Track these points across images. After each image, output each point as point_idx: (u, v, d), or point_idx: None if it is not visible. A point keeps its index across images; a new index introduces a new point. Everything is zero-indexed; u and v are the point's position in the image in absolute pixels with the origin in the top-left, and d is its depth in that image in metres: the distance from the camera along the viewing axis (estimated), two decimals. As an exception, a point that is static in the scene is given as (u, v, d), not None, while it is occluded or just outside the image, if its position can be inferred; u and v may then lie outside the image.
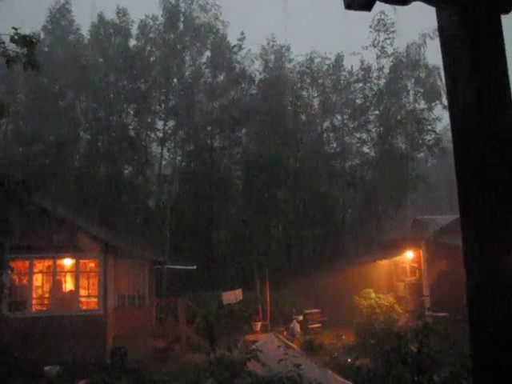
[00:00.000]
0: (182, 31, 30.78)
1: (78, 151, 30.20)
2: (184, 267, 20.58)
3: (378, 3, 2.02)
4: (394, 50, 28.55)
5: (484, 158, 1.53)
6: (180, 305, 17.84)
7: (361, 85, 30.33)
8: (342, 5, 2.08)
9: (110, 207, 26.20)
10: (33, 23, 29.43)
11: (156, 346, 16.16)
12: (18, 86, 29.39)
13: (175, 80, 31.12)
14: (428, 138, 29.10)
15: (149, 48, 30.88)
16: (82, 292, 16.03)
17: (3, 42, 9.96)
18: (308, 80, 31.32)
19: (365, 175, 29.64)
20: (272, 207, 27.29)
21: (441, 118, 28.96)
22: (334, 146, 31.76)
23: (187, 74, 31.23)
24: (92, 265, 16.27)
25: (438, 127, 29.90)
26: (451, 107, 1.74)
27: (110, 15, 31.11)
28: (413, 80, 29.73)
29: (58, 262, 15.93)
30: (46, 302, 15.98)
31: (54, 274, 15.81)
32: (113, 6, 31.00)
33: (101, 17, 31.26)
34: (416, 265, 18.58)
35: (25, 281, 15.69)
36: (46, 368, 13.16)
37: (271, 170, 26.77)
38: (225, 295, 19.46)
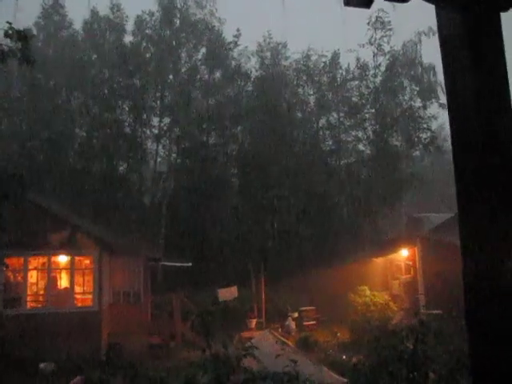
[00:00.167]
0: (177, 28, 30.69)
1: (72, 147, 30.06)
2: (179, 264, 20.57)
3: (377, 0, 2.03)
4: (391, 47, 28.61)
5: (483, 157, 1.53)
6: (175, 302, 17.84)
7: (357, 82, 30.37)
8: (339, 2, 2.08)
9: (105, 204, 26.13)
10: (24, 19, 29.16)
11: (151, 342, 16.16)
12: (13, 82, 29.18)
13: (171, 76, 31.03)
14: (424, 136, 29.19)
15: (144, 44, 30.77)
16: (77, 289, 15.98)
17: (-4, 37, 9.90)
18: (304, 77, 31.31)
19: (360, 173, 29.70)
20: (267, 205, 27.31)
21: (436, 116, 29.07)
22: (330, 143, 31.80)
23: (183, 70, 31.17)
24: (87, 262, 16.23)
25: (434, 125, 30.03)
26: (450, 107, 1.75)
27: (104, 10, 31.02)
28: (409, 78, 29.79)
29: (53, 258, 15.87)
30: (40, 298, 15.92)
31: (49, 271, 15.75)
32: (107, 1, 30.91)
33: (94, 12, 31.10)
34: (411, 263, 18.66)
35: (19, 278, 15.63)
36: (41, 365, 13.13)
37: (267, 167, 26.78)
38: (220, 292, 19.47)
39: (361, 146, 31.38)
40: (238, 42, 31.15)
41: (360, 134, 30.81)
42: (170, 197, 29.03)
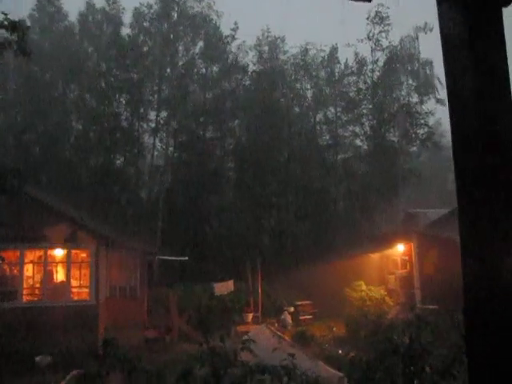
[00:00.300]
0: (175, 21, 30.50)
1: (69, 141, 29.92)
2: (176, 258, 20.58)
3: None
4: (389, 42, 28.58)
5: (484, 157, 1.53)
6: (171, 296, 17.86)
7: (355, 78, 30.33)
8: (338, -2, 2.06)
9: (101, 197, 26.05)
10: (18, 11, 28.84)
11: (147, 336, 16.19)
12: (9, 74, 28.96)
13: (168, 70, 30.89)
14: (421, 131, 29.23)
15: (142, 37, 30.57)
16: (74, 282, 15.96)
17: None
18: (302, 72, 31.24)
19: (357, 168, 29.73)
20: (264, 199, 27.31)
21: (434, 111, 29.10)
22: (327, 138, 31.80)
23: (180, 64, 31.01)
24: (84, 255, 16.19)
25: (431, 121, 30.07)
26: (451, 107, 1.73)
27: (101, 2, 30.78)
28: (406, 73, 29.78)
29: (50, 252, 15.82)
30: (37, 292, 15.88)
31: (46, 265, 15.71)
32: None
33: (90, 4, 30.84)
34: (407, 258, 18.73)
35: (15, 271, 15.59)
36: (37, 358, 13.13)
37: (264, 161, 26.75)
38: (217, 287, 19.50)
39: (358, 142, 31.46)
40: (236, 36, 31.04)
41: (357, 129, 30.85)
42: (166, 191, 28.98)
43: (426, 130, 29.16)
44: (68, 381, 10.82)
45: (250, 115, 29.38)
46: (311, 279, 20.28)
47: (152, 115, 30.81)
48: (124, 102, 30.32)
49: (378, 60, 29.15)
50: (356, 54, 29.53)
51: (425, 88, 29.20)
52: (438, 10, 1.82)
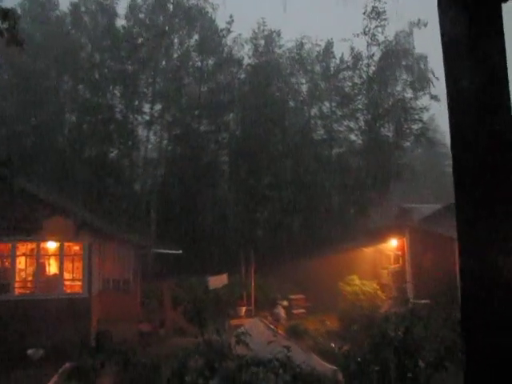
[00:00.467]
0: (171, 13, 30.27)
1: (62, 133, 29.68)
2: (169, 251, 20.53)
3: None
4: (385, 37, 28.57)
5: (483, 157, 1.52)
6: (165, 289, 17.84)
7: (350, 72, 30.31)
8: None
9: (95, 190, 25.92)
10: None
11: (141, 329, 16.17)
12: (1, 64, 28.61)
13: (163, 62, 30.68)
14: (415, 127, 29.32)
15: (137, 29, 30.31)
16: (67, 275, 15.88)
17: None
18: (297, 66, 31.16)
19: (352, 163, 29.79)
20: (258, 193, 27.32)
21: (428, 107, 29.17)
22: (322, 133, 31.80)
23: (175, 56, 30.82)
24: (76, 248, 16.10)
25: (425, 117, 30.17)
26: (451, 107, 1.72)
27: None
28: (402, 69, 29.80)
29: (42, 244, 15.71)
30: (29, 285, 15.79)
31: (38, 257, 15.61)
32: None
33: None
34: (400, 252, 18.84)
35: (7, 264, 15.48)
36: (29, 351, 13.09)
37: (258, 155, 26.72)
38: (210, 280, 19.52)
39: (353, 136, 31.49)
40: (231, 29, 30.87)
41: (352, 123, 30.88)
42: (160, 183, 28.88)
43: (420, 125, 29.25)
44: (61, 374, 10.81)
45: (244, 109, 29.30)
46: (305, 273, 20.36)
47: (146, 108, 30.67)
48: (118, 93, 30.10)
49: (373, 55, 29.16)
50: (352, 49, 29.52)
51: (419, 83, 29.24)
52: (438, 9, 1.81)
